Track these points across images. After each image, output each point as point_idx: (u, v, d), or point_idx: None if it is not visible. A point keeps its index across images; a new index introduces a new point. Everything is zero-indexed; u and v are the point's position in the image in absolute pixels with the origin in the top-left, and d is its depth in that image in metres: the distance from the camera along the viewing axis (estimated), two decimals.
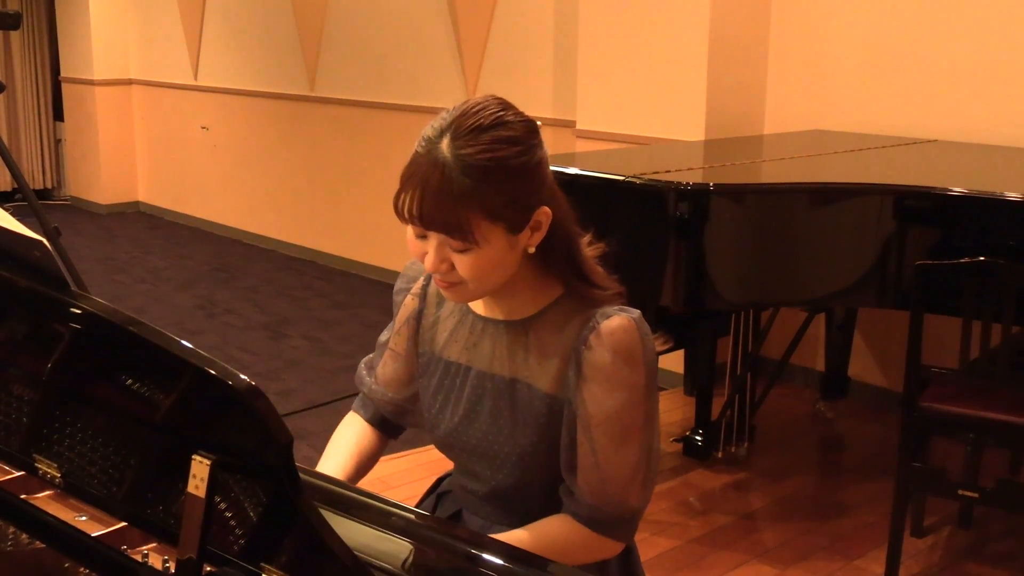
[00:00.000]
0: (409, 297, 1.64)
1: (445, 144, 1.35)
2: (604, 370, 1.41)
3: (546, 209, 1.41)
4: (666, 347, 1.56)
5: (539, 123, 1.44)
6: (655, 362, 1.46)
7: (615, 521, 1.47)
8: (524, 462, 1.49)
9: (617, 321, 1.42)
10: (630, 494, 1.45)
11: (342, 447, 1.69)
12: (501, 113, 1.38)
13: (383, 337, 1.70)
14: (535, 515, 1.54)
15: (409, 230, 1.42)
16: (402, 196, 1.37)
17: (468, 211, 1.34)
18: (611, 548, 1.51)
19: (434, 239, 1.39)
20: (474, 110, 1.38)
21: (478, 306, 1.55)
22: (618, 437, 1.43)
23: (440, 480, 1.74)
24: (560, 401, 1.46)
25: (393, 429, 1.74)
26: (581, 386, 1.43)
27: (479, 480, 1.57)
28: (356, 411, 1.74)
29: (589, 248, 1.51)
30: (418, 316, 1.62)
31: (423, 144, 1.37)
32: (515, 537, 1.47)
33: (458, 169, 1.33)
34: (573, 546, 1.48)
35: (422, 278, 1.63)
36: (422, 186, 1.34)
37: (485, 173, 1.34)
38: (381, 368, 1.69)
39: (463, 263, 1.39)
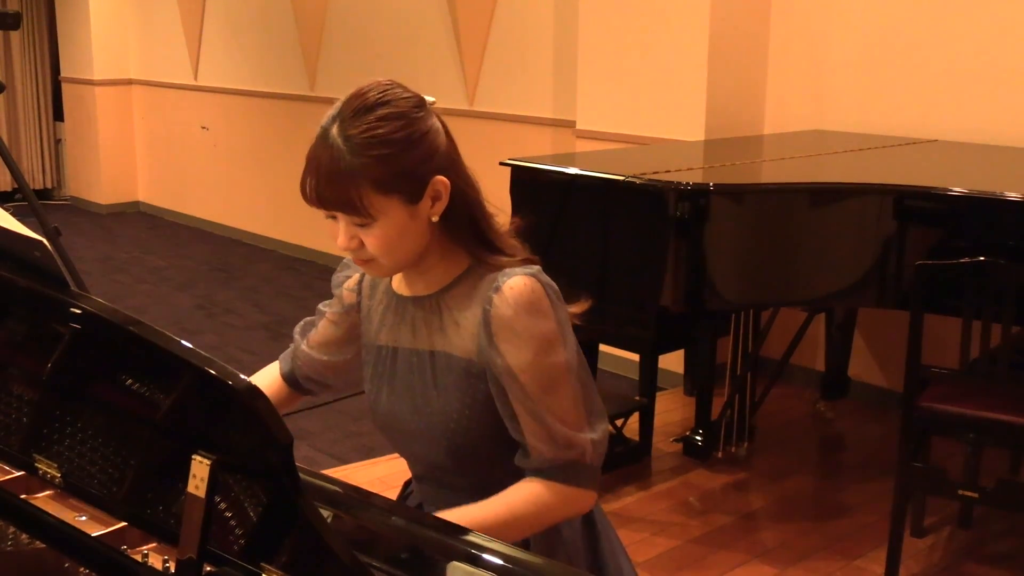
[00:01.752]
0: (345, 292, 1.71)
1: (335, 129, 1.43)
2: (511, 325, 1.46)
3: (442, 178, 1.47)
4: (584, 307, 1.58)
5: (431, 100, 1.50)
6: (563, 309, 1.51)
7: (572, 466, 1.50)
8: (451, 432, 1.53)
9: (517, 278, 1.48)
10: (578, 437, 1.49)
11: None
12: (385, 92, 1.46)
13: (322, 306, 1.77)
14: (475, 492, 1.55)
15: (324, 215, 1.49)
16: (303, 181, 1.46)
17: (358, 187, 1.42)
18: (580, 498, 1.52)
19: (341, 219, 1.47)
20: (360, 93, 1.46)
21: (401, 287, 1.61)
22: (546, 386, 1.47)
23: (407, 485, 1.77)
24: (476, 365, 1.50)
25: (304, 390, 1.81)
26: (495, 345, 1.47)
27: (419, 461, 1.62)
28: (279, 361, 1.81)
29: (503, 226, 1.57)
30: (357, 308, 1.69)
31: (319, 132, 1.46)
32: (483, 513, 1.47)
33: (346, 149, 1.42)
34: (542, 507, 1.50)
35: (357, 274, 1.69)
36: (316, 170, 1.44)
37: (369, 148, 1.42)
38: (314, 331, 1.76)
39: (369, 238, 1.47)
